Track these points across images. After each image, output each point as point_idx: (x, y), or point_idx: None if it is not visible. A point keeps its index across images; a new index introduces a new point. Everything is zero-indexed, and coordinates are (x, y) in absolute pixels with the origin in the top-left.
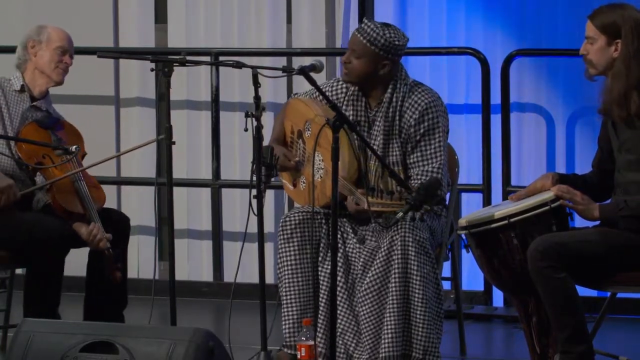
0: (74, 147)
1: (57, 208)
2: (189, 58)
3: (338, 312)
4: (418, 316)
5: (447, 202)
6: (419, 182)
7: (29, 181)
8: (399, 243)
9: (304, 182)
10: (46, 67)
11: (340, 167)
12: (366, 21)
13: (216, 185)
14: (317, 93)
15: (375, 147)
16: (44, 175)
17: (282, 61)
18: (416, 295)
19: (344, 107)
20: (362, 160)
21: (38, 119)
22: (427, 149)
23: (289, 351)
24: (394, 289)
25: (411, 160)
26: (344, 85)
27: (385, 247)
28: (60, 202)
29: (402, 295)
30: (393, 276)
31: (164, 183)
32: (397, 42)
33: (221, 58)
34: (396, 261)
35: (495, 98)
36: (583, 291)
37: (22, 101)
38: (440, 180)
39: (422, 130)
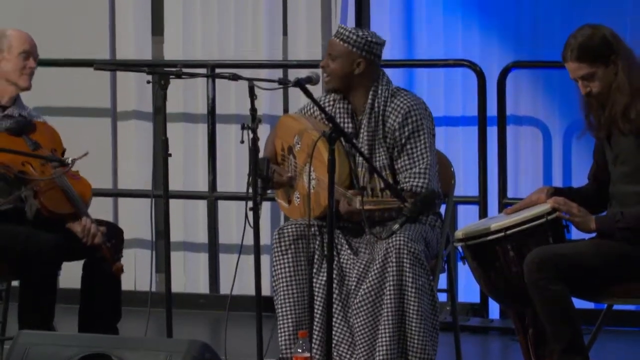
0: (70, 158)
1: (46, 213)
2: (185, 70)
3: (333, 323)
4: (414, 328)
5: (442, 214)
6: (408, 185)
7: (15, 191)
8: (394, 255)
9: (298, 197)
10: (12, 75)
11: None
12: (342, 25)
13: (212, 197)
14: (306, 109)
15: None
16: (29, 183)
17: (278, 73)
18: (411, 307)
19: None
20: (353, 165)
21: (8, 126)
22: (414, 152)
23: None
24: (388, 301)
25: (399, 165)
26: (331, 98)
27: (380, 259)
28: (48, 206)
29: (397, 307)
30: (388, 288)
31: (160, 195)
32: (369, 39)
33: (217, 70)
34: (391, 273)
35: (492, 110)
36: (579, 303)
37: None
38: (436, 191)
39: (406, 134)
